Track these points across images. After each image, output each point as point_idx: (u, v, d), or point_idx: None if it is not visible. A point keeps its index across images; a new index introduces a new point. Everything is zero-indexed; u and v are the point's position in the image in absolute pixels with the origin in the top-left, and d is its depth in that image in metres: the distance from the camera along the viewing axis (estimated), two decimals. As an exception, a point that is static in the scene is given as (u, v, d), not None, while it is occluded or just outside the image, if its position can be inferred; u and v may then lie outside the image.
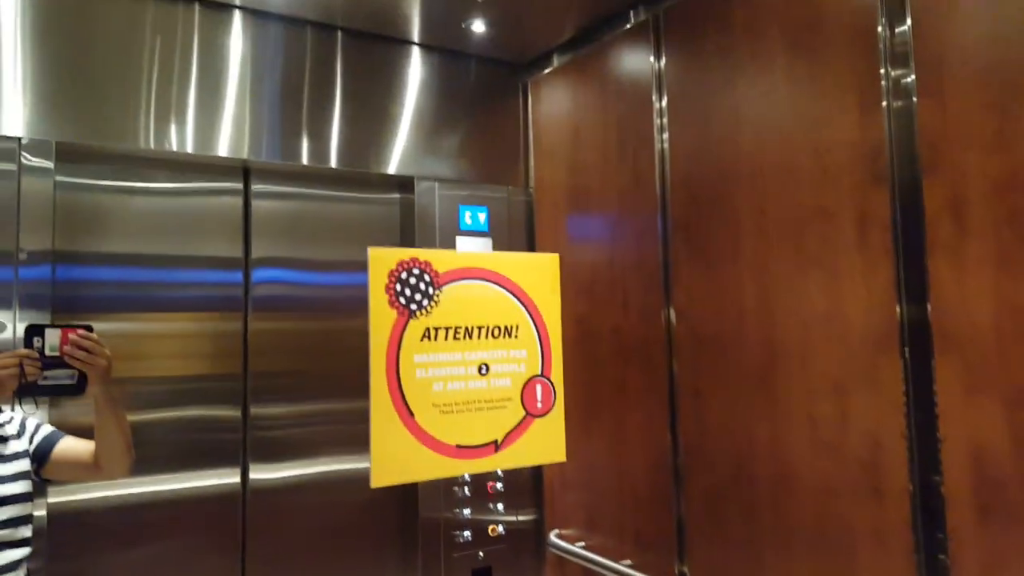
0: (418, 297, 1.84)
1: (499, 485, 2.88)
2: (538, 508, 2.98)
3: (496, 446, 1.93)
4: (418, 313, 1.84)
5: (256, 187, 2.72)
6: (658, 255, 2.46)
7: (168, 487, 2.48)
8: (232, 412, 2.62)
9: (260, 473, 2.64)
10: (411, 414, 1.79)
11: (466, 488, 2.82)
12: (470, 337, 1.91)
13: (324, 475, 2.75)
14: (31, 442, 1.88)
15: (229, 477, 2.60)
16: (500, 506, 2.88)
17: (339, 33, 2.82)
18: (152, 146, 2.44)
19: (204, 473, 2.55)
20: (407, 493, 2.84)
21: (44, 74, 2.30)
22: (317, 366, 2.78)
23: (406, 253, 1.84)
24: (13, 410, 1.82)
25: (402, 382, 1.79)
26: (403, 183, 2.93)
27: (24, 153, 2.23)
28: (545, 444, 2.01)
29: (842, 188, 1.88)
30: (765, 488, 2.06)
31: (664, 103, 2.48)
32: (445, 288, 1.88)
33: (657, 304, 2.46)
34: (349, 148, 2.78)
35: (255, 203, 2.72)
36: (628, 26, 2.64)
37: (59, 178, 2.31)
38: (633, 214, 2.59)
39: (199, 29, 2.55)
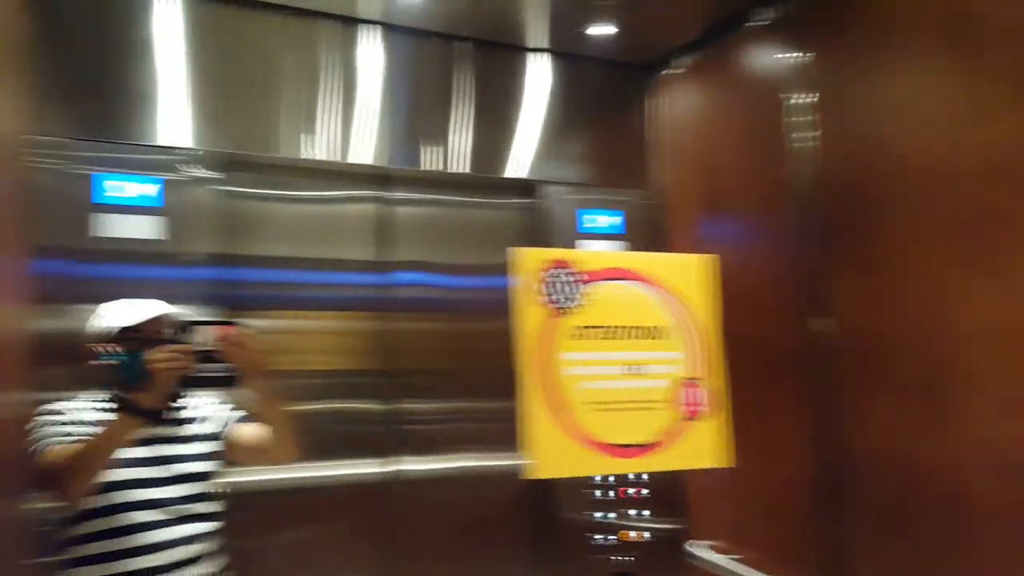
0: (565, 296, 1.86)
1: (640, 491, 2.82)
2: (680, 517, 2.90)
3: (654, 447, 1.91)
4: (565, 312, 1.86)
5: (396, 194, 2.83)
6: (802, 260, 2.37)
7: (321, 474, 2.60)
8: (378, 406, 2.73)
9: (405, 465, 2.72)
10: (563, 411, 1.81)
11: (606, 491, 2.79)
12: (620, 337, 1.90)
13: (464, 470, 2.79)
14: (218, 423, 2.03)
15: (376, 467, 2.70)
16: (641, 512, 2.83)
17: (464, 43, 2.89)
18: (306, 156, 2.60)
19: (354, 462, 2.66)
20: (545, 492, 2.84)
21: (208, 90, 2.50)
22: (454, 365, 2.83)
23: (553, 253, 1.87)
24: (176, 398, 1.96)
25: (552, 379, 1.81)
26: (529, 188, 2.96)
27: (196, 165, 2.42)
28: (706, 448, 1.97)
29: (1014, 189, 1.75)
30: (938, 510, 1.91)
31: (802, 100, 2.39)
32: (593, 287, 1.90)
33: (802, 311, 2.36)
34: (478, 155, 2.86)
35: (394, 209, 2.82)
36: (758, 22, 2.56)
37: (226, 188, 2.49)
38: (772, 216, 2.51)
39: (340, 44, 2.70)
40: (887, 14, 2.09)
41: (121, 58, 2.41)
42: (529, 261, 1.83)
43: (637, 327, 1.94)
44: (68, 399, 1.97)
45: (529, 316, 1.80)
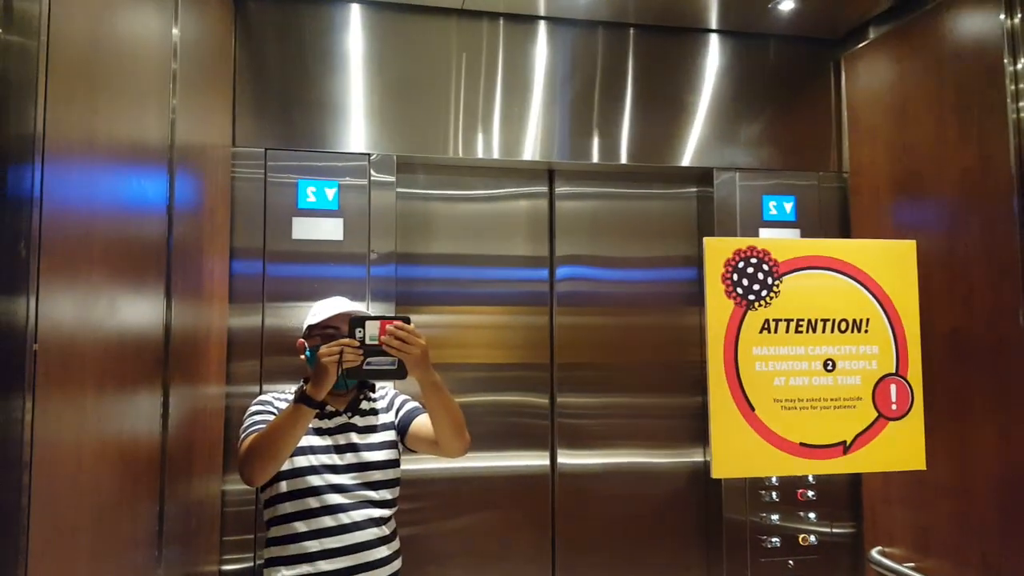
0: (756, 288, 1.77)
1: (810, 493, 2.69)
2: (855, 521, 2.73)
3: (845, 448, 1.79)
4: (756, 304, 1.77)
5: (559, 189, 2.84)
6: (1016, 246, 2.11)
7: (485, 464, 2.68)
8: (541, 399, 2.77)
9: (567, 458, 2.75)
10: (751, 408, 1.73)
11: (774, 493, 2.68)
12: (814, 330, 1.78)
13: (626, 466, 2.79)
14: (397, 415, 2.13)
15: (539, 459, 2.74)
16: (811, 515, 2.69)
17: (633, 30, 2.83)
18: (473, 155, 2.66)
19: (517, 454, 2.73)
20: (709, 492, 2.77)
21: (382, 96, 2.62)
22: (617, 360, 2.83)
23: (743, 242, 1.78)
24: (347, 389, 2.06)
25: (741, 375, 1.73)
26: (702, 175, 2.87)
27: (372, 168, 2.55)
28: (901, 450, 1.82)
29: None
30: None
31: (1020, 66, 2.13)
32: (786, 278, 1.79)
33: (1014, 303, 2.11)
34: (647, 144, 2.79)
35: (558, 204, 2.84)
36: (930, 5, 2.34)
37: (398, 189, 2.61)
38: (979, 198, 2.26)
39: (507, 42, 2.73)
40: None
41: (306, 70, 2.57)
42: (717, 251, 1.75)
43: (834, 320, 1.81)
44: (279, 391, 2.14)
45: (718, 308, 1.73)
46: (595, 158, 2.76)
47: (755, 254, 1.75)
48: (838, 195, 2.85)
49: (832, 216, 2.83)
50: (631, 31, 2.83)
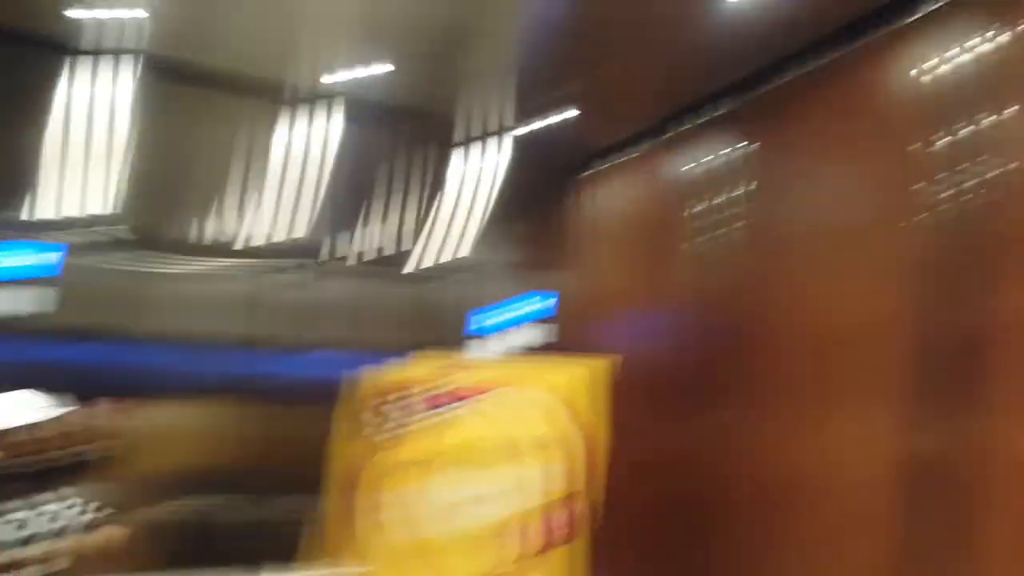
0: (395, 426, 1.66)
1: None
2: None
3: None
4: (393, 442, 1.65)
5: (286, 278, 2.75)
6: (697, 358, 2.35)
7: None
8: (249, 506, 2.57)
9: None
10: (379, 560, 1.58)
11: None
12: (465, 465, 1.67)
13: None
14: (49, 540, 1.83)
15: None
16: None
17: (387, 133, 2.87)
18: (186, 237, 2.54)
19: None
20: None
21: (111, 161, 2.43)
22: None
23: (393, 377, 1.68)
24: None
25: (368, 522, 1.58)
26: (432, 276, 2.93)
27: (108, 231, 2.35)
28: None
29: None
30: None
31: (714, 202, 2.40)
32: (437, 410, 1.68)
33: (695, 411, 2.32)
34: (388, 241, 2.82)
35: (292, 292, 2.75)
36: (669, 134, 2.64)
37: (122, 266, 2.40)
38: (671, 315, 2.50)
39: (261, 124, 2.66)
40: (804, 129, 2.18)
41: (11, 122, 2.34)
42: (362, 385, 1.65)
43: (489, 449, 1.69)
44: None
45: (347, 449, 1.60)
46: (332, 252, 2.75)
47: (404, 388, 1.66)
48: (558, 307, 2.97)
49: (551, 327, 2.94)
50: (383, 131, 2.87)
